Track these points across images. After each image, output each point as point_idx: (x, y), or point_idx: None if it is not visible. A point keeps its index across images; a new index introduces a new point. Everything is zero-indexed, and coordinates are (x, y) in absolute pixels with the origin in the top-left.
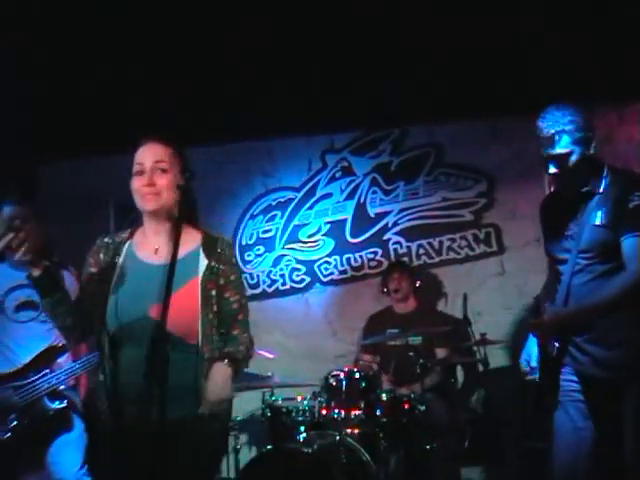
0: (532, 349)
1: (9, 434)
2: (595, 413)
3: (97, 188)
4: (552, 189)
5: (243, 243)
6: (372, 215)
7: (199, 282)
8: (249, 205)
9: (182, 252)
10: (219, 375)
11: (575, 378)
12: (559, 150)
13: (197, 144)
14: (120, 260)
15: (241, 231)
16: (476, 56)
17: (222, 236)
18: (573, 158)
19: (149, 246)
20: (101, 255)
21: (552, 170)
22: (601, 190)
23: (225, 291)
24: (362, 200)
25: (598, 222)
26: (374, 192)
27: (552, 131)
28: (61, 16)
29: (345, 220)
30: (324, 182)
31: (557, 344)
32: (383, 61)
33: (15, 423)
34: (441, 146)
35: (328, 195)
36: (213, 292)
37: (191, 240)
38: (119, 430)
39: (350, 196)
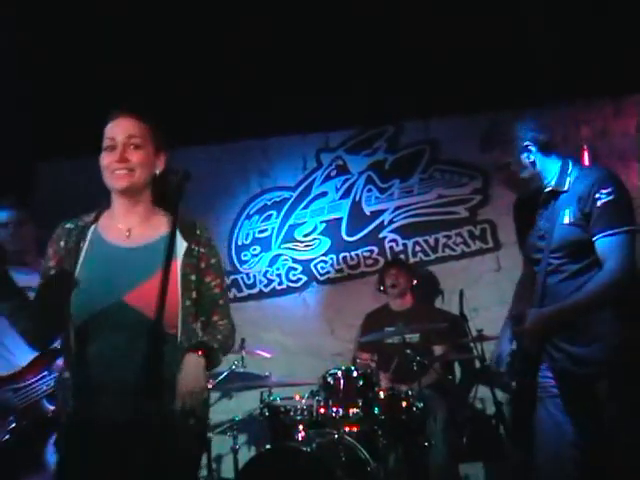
0: (504, 348)
1: (7, 436)
2: (571, 408)
3: (97, 186)
4: None
5: (239, 243)
6: (368, 213)
7: (178, 266)
8: (245, 205)
9: (154, 236)
10: (191, 366)
11: (551, 375)
12: (500, 160)
13: (194, 143)
14: (85, 245)
15: (237, 231)
16: (471, 52)
17: (197, 220)
18: (513, 167)
19: (119, 228)
20: (61, 243)
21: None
22: (566, 188)
23: (206, 275)
24: (357, 198)
25: (566, 221)
26: (369, 190)
27: (495, 139)
28: (62, 15)
29: (341, 219)
30: (319, 181)
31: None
32: (377, 58)
33: (14, 425)
34: (436, 143)
35: (323, 194)
36: (193, 277)
37: (162, 224)
38: (88, 427)
39: (345, 195)
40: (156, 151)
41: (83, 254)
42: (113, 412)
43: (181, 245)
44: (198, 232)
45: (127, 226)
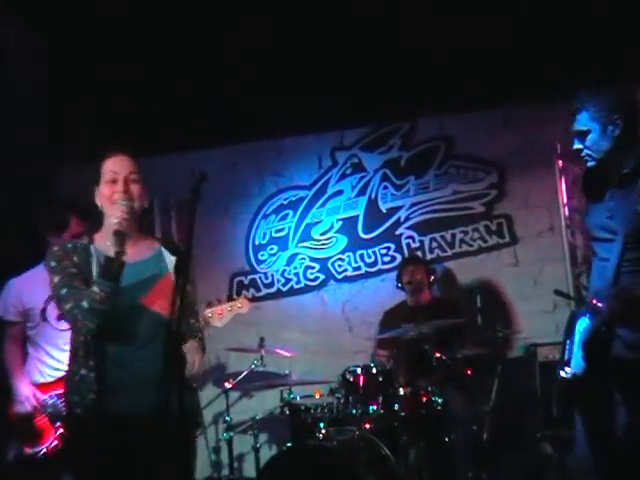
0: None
1: (56, 442)
2: (626, 397)
3: None
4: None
5: (256, 243)
6: (384, 210)
7: (171, 276)
8: (261, 205)
9: (144, 254)
10: (195, 350)
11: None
12: (577, 127)
13: (210, 145)
14: (94, 261)
15: (254, 231)
16: (484, 46)
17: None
18: (591, 136)
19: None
20: (75, 258)
21: (575, 146)
22: None
23: (186, 284)
24: (373, 196)
25: (638, 207)
26: (385, 187)
27: (575, 106)
28: (78, 15)
29: (357, 216)
30: (335, 179)
31: (606, 328)
32: (390, 56)
33: (61, 431)
34: (451, 138)
35: (339, 192)
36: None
37: (149, 244)
38: (103, 423)
39: (361, 192)
40: (144, 187)
41: (94, 269)
42: (133, 408)
43: (170, 259)
44: (180, 247)
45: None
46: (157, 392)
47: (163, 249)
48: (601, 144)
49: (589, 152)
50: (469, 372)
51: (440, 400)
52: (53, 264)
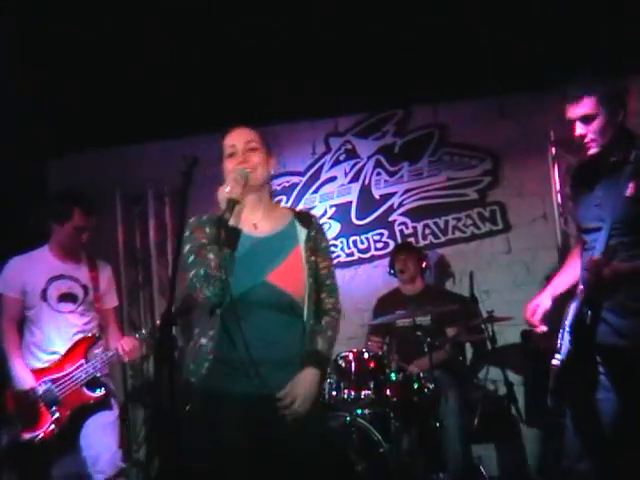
0: (545, 302)
1: (52, 426)
2: (616, 384)
3: (103, 179)
4: (574, 161)
5: None
6: (377, 197)
7: (301, 250)
8: None
9: (279, 226)
10: (307, 380)
11: (598, 353)
12: (584, 111)
13: (205, 131)
14: (223, 235)
15: None
16: (480, 34)
17: (310, 212)
18: (599, 121)
19: (247, 221)
20: (207, 229)
21: (579, 131)
22: (632, 159)
23: (319, 257)
24: (367, 182)
25: (629, 193)
26: (378, 174)
27: (581, 91)
28: (68, 10)
29: (350, 203)
30: (328, 165)
31: (590, 311)
32: (385, 42)
33: (57, 415)
34: (445, 126)
35: (333, 178)
36: (312, 258)
37: (283, 216)
38: (221, 396)
39: (355, 178)
40: (268, 154)
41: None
42: (246, 385)
43: (301, 232)
44: (312, 220)
45: (254, 219)
46: (270, 371)
47: (296, 221)
48: (607, 129)
49: (594, 137)
50: (461, 358)
51: (432, 386)
52: (186, 234)
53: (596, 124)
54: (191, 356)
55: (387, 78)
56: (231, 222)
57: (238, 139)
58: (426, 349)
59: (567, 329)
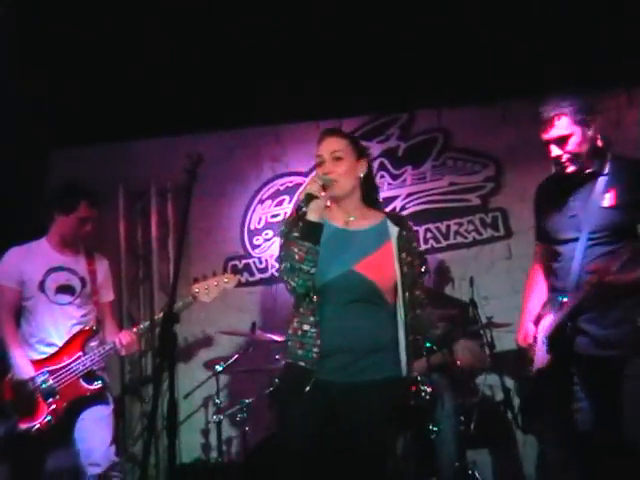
0: (530, 329)
1: (49, 417)
2: (592, 394)
3: (106, 173)
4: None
5: (252, 228)
6: (380, 199)
7: (393, 245)
8: (257, 190)
9: (372, 222)
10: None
11: (574, 363)
12: (559, 132)
13: (209, 130)
14: (304, 229)
15: (250, 216)
16: (484, 39)
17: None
18: (574, 140)
19: (341, 219)
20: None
21: (554, 153)
22: (606, 171)
23: (410, 255)
24: None
25: (608, 204)
26: (382, 176)
27: (552, 114)
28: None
29: None
30: None
31: (570, 322)
32: (391, 46)
33: (54, 407)
34: (449, 131)
35: None
36: (404, 255)
37: (375, 215)
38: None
39: None
40: (358, 158)
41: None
42: (334, 373)
43: (393, 229)
44: (403, 221)
45: (348, 217)
46: (359, 360)
47: (388, 220)
48: (582, 146)
49: (570, 157)
50: (458, 363)
51: (429, 390)
52: (282, 228)
53: (571, 143)
54: (295, 342)
55: (392, 81)
56: (315, 218)
57: (325, 149)
58: (424, 353)
59: (544, 340)
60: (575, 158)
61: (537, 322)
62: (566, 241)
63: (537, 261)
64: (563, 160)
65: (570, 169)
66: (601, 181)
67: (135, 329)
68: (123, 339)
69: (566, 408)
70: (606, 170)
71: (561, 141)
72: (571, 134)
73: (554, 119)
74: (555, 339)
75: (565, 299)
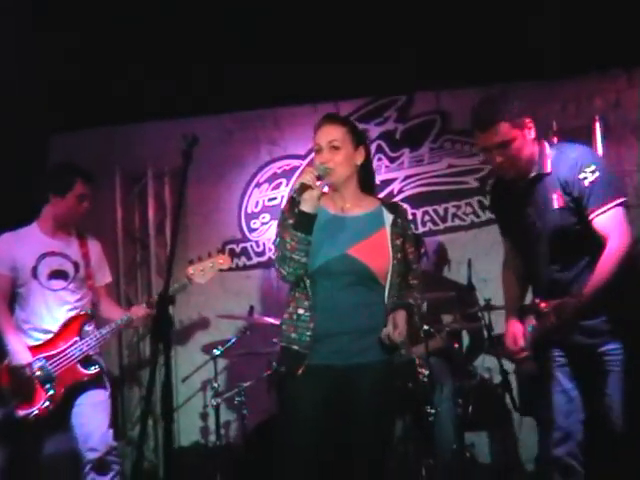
0: (517, 328)
1: (47, 403)
2: (579, 376)
3: (103, 157)
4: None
5: (249, 211)
6: (377, 182)
7: (387, 232)
8: (255, 173)
9: (367, 209)
10: (400, 317)
11: (558, 347)
12: (500, 139)
13: (207, 113)
14: (296, 219)
15: (247, 199)
16: (484, 20)
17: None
18: (515, 145)
19: (336, 206)
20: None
21: (498, 160)
22: (549, 170)
23: (405, 242)
24: None
25: (557, 206)
26: (379, 159)
27: (490, 120)
28: None
29: None
30: None
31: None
32: (388, 27)
33: (52, 392)
34: (447, 113)
35: None
36: (398, 242)
37: (371, 202)
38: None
39: None
40: (355, 147)
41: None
42: (331, 356)
43: (387, 217)
44: (399, 209)
45: (343, 204)
46: (355, 342)
47: (383, 208)
48: (524, 150)
49: (513, 161)
50: (457, 346)
51: (427, 373)
52: (280, 216)
53: (513, 148)
54: (289, 326)
55: (390, 63)
56: (308, 208)
57: (322, 138)
58: (422, 335)
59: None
60: (517, 163)
61: (522, 316)
62: (529, 246)
63: (507, 255)
64: (505, 166)
65: (511, 175)
66: (545, 181)
67: (146, 304)
68: (138, 312)
69: (549, 390)
70: (548, 168)
71: (503, 146)
72: (513, 138)
73: (495, 125)
74: (539, 345)
75: (543, 304)
